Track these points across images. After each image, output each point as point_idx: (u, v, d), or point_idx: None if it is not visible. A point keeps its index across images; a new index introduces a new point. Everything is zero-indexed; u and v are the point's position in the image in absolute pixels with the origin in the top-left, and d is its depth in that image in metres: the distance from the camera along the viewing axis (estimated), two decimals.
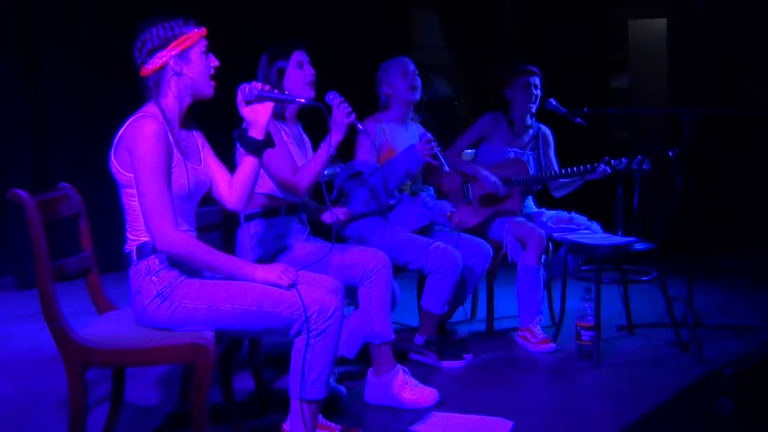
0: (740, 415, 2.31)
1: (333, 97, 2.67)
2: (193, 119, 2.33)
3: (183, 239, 2.10)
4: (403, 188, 3.32)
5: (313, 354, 2.17)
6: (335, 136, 2.65)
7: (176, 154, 2.16)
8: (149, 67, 2.18)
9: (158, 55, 2.16)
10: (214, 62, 2.24)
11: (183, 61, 2.18)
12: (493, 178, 3.65)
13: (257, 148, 2.31)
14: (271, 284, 2.16)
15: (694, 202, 3.48)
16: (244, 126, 2.35)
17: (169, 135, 2.14)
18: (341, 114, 2.62)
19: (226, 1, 5.25)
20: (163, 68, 2.17)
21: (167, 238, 2.09)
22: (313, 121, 2.92)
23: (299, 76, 2.84)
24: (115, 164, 2.15)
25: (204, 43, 2.22)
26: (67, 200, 2.36)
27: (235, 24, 5.15)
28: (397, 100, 3.40)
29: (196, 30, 2.20)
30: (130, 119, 2.14)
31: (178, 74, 2.18)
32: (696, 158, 3.40)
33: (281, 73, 2.85)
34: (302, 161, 2.83)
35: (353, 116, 2.63)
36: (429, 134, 3.16)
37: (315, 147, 2.87)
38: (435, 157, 3.11)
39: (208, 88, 2.24)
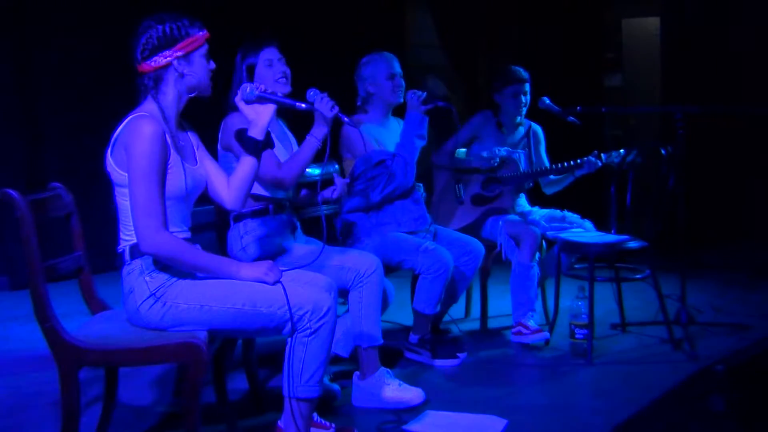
0: (732, 412, 2.31)
1: (314, 93, 2.67)
2: (185, 119, 2.33)
3: (166, 241, 2.09)
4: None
5: (307, 353, 2.17)
6: (320, 130, 2.66)
7: (173, 155, 2.16)
8: (150, 65, 2.16)
9: (162, 54, 2.15)
10: (212, 65, 2.24)
11: (186, 63, 2.18)
12: (485, 153, 3.66)
13: (256, 148, 2.31)
14: (257, 281, 2.16)
15: (686, 200, 3.49)
16: (239, 127, 2.36)
17: (167, 136, 2.14)
18: (325, 107, 2.62)
19: (214, 3, 5.23)
20: (165, 68, 2.17)
21: (151, 240, 2.08)
22: (297, 118, 2.92)
23: (268, 74, 2.83)
24: (111, 163, 2.14)
25: (206, 46, 2.22)
26: (59, 200, 2.35)
27: (225, 23, 5.14)
28: (379, 100, 3.36)
29: (200, 33, 2.20)
30: (129, 117, 2.13)
31: (181, 75, 2.18)
32: (689, 156, 3.41)
33: (250, 70, 2.85)
34: (285, 158, 2.83)
35: (337, 108, 2.63)
36: (413, 90, 3.22)
37: (300, 143, 2.86)
38: (426, 102, 3.20)
39: (208, 89, 2.25)
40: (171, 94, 2.19)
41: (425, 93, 3.25)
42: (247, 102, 2.32)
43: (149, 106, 2.17)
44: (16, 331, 3.87)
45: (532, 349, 3.43)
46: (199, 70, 2.20)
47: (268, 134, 2.34)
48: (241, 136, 2.33)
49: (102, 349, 2.12)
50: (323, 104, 2.62)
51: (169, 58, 2.16)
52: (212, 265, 2.17)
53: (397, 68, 3.36)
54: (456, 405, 2.78)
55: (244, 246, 2.79)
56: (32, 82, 4.94)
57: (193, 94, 2.24)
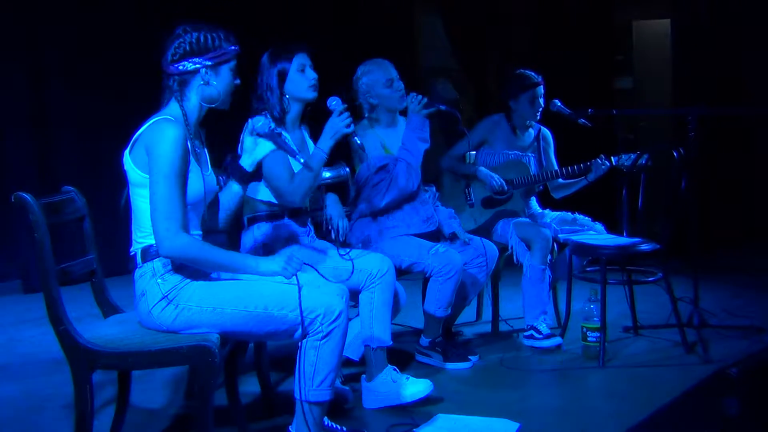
0: (747, 416, 2.29)
1: (336, 104, 2.67)
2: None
3: (187, 243, 2.10)
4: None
5: (319, 356, 2.17)
6: (327, 143, 2.66)
7: (192, 160, 2.18)
8: (178, 69, 2.19)
9: (192, 60, 2.18)
10: (237, 81, 2.27)
11: (214, 74, 2.21)
12: (496, 177, 3.65)
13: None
14: (276, 274, 2.16)
15: (699, 202, 3.47)
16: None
17: (188, 141, 2.16)
18: (341, 123, 2.63)
19: (226, 3, 5.24)
20: (193, 74, 2.20)
21: (171, 243, 2.09)
22: (319, 126, 2.92)
23: (301, 80, 2.83)
24: (129, 162, 2.16)
25: (235, 62, 2.25)
26: (72, 203, 2.37)
27: (235, 26, 5.15)
28: (383, 108, 3.28)
29: (232, 48, 2.23)
30: (153, 119, 2.15)
31: (206, 84, 2.21)
32: (700, 158, 3.39)
33: (282, 75, 2.84)
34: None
35: (352, 127, 2.65)
36: (413, 93, 3.18)
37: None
38: (428, 105, 3.17)
39: (226, 104, 2.29)
40: (194, 100, 2.23)
41: (426, 98, 3.21)
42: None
43: (173, 109, 2.20)
44: (29, 334, 3.90)
45: (544, 353, 3.42)
46: (224, 83, 2.23)
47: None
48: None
49: (115, 352, 2.13)
50: (341, 119, 2.63)
51: (197, 65, 2.19)
52: (232, 261, 2.18)
53: (393, 73, 3.25)
54: (467, 408, 2.77)
55: (257, 248, 2.80)
56: (44, 85, 4.97)
57: (212, 106, 2.26)
